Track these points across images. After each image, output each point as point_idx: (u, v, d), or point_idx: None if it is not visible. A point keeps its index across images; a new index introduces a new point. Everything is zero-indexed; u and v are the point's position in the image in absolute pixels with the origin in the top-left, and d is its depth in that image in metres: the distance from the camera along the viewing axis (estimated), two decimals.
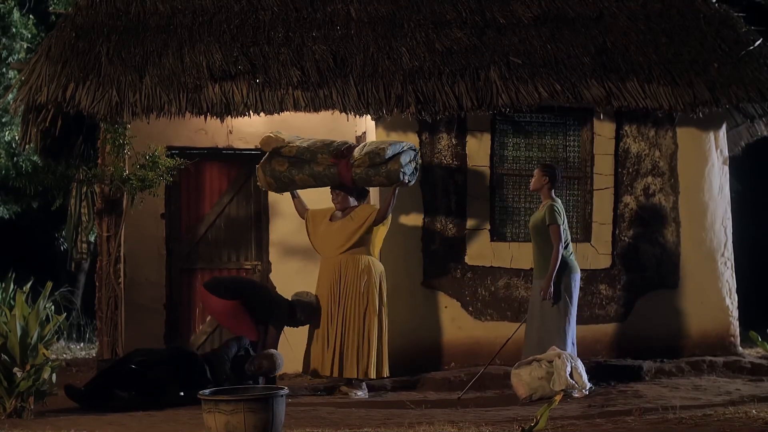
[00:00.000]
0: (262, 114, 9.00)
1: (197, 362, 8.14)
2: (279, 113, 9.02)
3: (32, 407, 7.15)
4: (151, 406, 7.57)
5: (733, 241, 9.95)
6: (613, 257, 9.69)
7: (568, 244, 8.38)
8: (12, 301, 7.85)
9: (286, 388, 6.02)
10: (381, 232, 8.67)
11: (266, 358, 8.26)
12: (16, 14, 14.98)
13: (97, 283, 9.56)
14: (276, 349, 8.47)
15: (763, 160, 14.87)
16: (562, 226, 8.27)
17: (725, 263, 9.88)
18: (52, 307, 7.75)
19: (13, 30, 14.94)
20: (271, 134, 8.73)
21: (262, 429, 5.67)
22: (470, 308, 9.40)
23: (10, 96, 11.71)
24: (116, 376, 7.80)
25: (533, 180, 8.55)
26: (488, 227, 9.51)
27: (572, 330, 8.33)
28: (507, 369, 8.44)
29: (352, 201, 8.68)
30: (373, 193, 9.34)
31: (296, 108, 8.99)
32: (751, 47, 10.01)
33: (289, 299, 8.62)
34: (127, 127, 9.10)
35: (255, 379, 8.23)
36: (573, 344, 8.33)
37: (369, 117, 9.35)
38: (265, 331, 8.57)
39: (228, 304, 8.51)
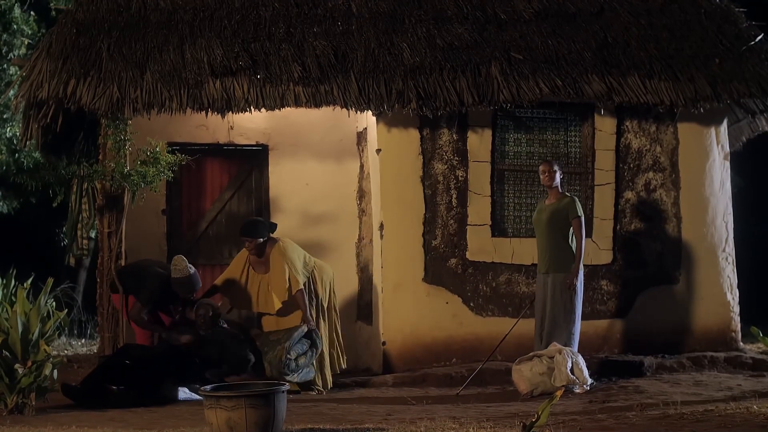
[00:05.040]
0: (263, 110, 9.00)
1: (190, 357, 8.14)
2: (280, 109, 9.02)
3: (33, 403, 7.15)
4: (150, 402, 7.58)
5: (734, 237, 9.94)
6: (614, 253, 9.67)
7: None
8: (13, 298, 7.85)
9: (288, 384, 6.02)
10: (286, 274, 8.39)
11: (202, 307, 8.36)
12: (17, 10, 14.98)
13: (98, 279, 9.55)
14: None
15: (765, 155, 14.85)
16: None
17: (726, 259, 9.87)
18: (53, 303, 7.74)
19: (14, 26, 14.94)
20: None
21: (264, 425, 5.67)
22: (471, 304, 9.39)
23: (11, 92, 11.69)
24: (110, 372, 7.80)
25: (547, 176, 8.53)
26: (489, 223, 9.50)
27: (578, 326, 8.41)
28: (508, 365, 8.45)
29: (262, 240, 8.49)
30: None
31: (297, 104, 8.98)
32: (752, 42, 9.99)
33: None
34: (128, 123, 9.09)
35: (207, 327, 8.32)
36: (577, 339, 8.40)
37: (370, 113, 9.34)
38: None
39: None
